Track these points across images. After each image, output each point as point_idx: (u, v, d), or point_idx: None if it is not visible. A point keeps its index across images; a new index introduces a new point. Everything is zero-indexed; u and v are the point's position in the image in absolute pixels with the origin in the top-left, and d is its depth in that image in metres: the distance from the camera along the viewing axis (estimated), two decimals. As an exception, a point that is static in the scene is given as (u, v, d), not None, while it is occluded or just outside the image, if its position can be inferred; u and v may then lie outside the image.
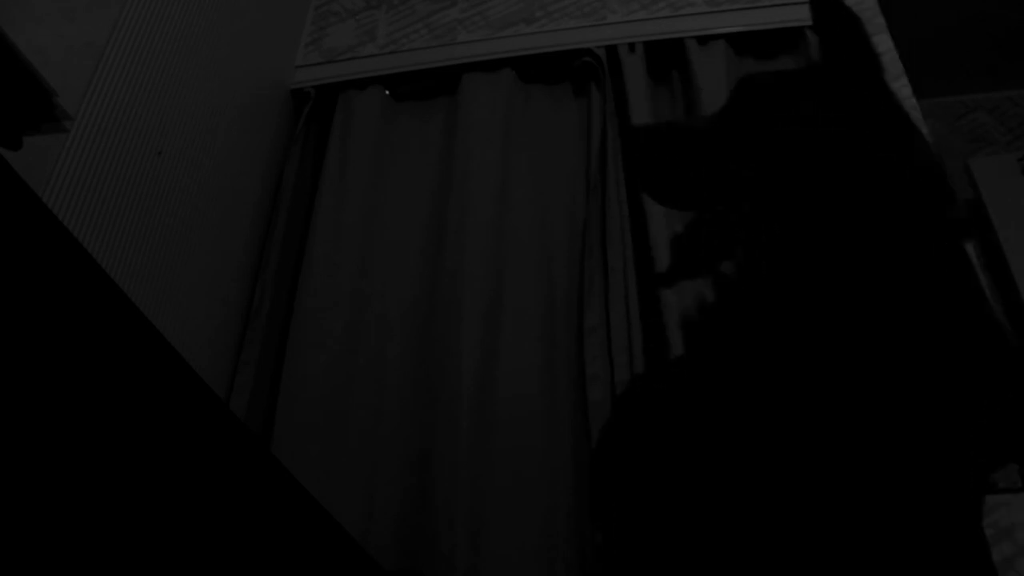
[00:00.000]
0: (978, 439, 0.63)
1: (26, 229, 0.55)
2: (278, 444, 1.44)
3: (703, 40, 1.72)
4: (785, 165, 0.72)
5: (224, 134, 1.57)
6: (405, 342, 1.56)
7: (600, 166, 1.61)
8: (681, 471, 0.68)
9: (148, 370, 0.61)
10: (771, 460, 0.63)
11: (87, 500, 0.57)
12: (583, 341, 1.45)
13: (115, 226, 1.22)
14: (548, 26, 1.85)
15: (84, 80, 1.20)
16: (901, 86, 1.57)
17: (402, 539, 1.36)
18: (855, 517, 0.61)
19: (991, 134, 2.46)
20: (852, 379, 0.63)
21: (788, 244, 0.70)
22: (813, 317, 0.66)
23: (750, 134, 0.75)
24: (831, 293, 0.67)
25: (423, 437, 1.43)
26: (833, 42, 0.76)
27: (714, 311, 0.79)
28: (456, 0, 1.96)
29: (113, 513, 0.58)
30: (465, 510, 1.32)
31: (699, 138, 0.78)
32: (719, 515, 0.65)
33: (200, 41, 1.51)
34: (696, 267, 0.86)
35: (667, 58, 1.75)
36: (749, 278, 0.74)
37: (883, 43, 1.62)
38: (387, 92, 1.89)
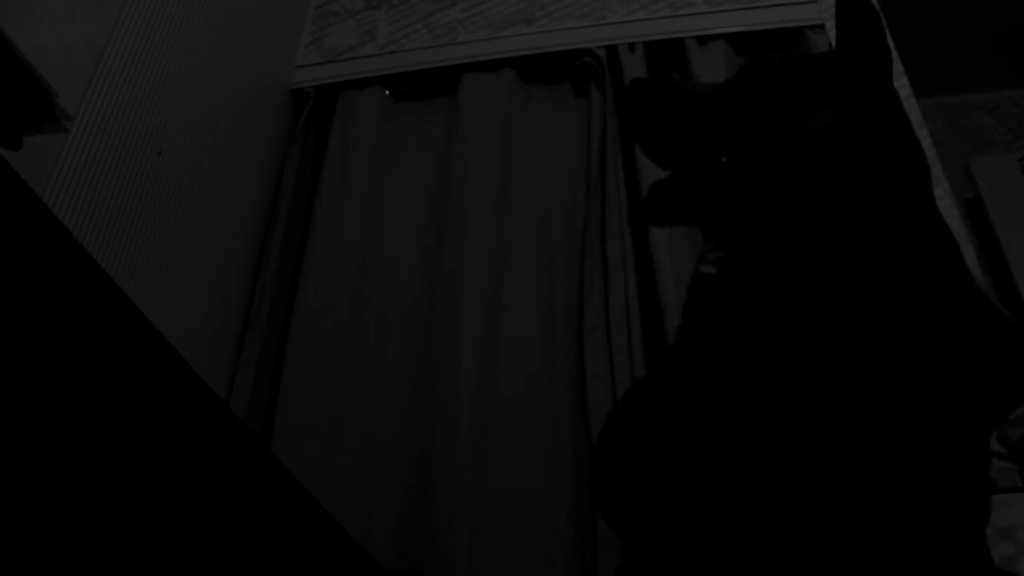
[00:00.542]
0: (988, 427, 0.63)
1: (26, 229, 0.55)
2: (278, 444, 1.44)
3: (703, 40, 1.72)
4: (783, 145, 0.72)
5: (224, 134, 1.57)
6: (405, 342, 1.56)
7: (600, 166, 1.61)
8: (685, 462, 0.68)
9: (148, 370, 0.61)
10: (778, 452, 0.63)
11: (87, 500, 0.57)
12: (583, 341, 1.45)
13: (115, 226, 1.22)
14: (548, 26, 1.85)
15: (84, 80, 1.20)
16: (901, 86, 1.57)
17: (402, 539, 1.36)
18: (862, 514, 0.61)
19: (991, 134, 2.46)
20: (857, 369, 0.63)
21: (781, 225, 0.71)
22: (807, 304, 0.66)
23: (751, 108, 0.75)
24: (827, 279, 0.67)
25: (423, 437, 1.43)
26: (850, 33, 0.76)
27: (709, 291, 0.79)
28: (456, 0, 1.96)
29: (113, 513, 0.58)
30: (465, 510, 1.32)
31: (699, 101, 0.78)
32: (723, 506, 0.65)
33: (200, 41, 1.51)
34: (676, 215, 0.86)
35: (667, 58, 1.75)
36: (741, 261, 0.74)
37: (883, 43, 1.62)
38: (387, 92, 1.89)
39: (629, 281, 1.50)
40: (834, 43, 1.64)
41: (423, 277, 1.63)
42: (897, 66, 1.61)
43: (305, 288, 1.62)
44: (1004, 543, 1.15)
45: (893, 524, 0.61)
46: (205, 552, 0.66)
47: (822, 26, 1.67)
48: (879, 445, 0.62)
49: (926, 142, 1.43)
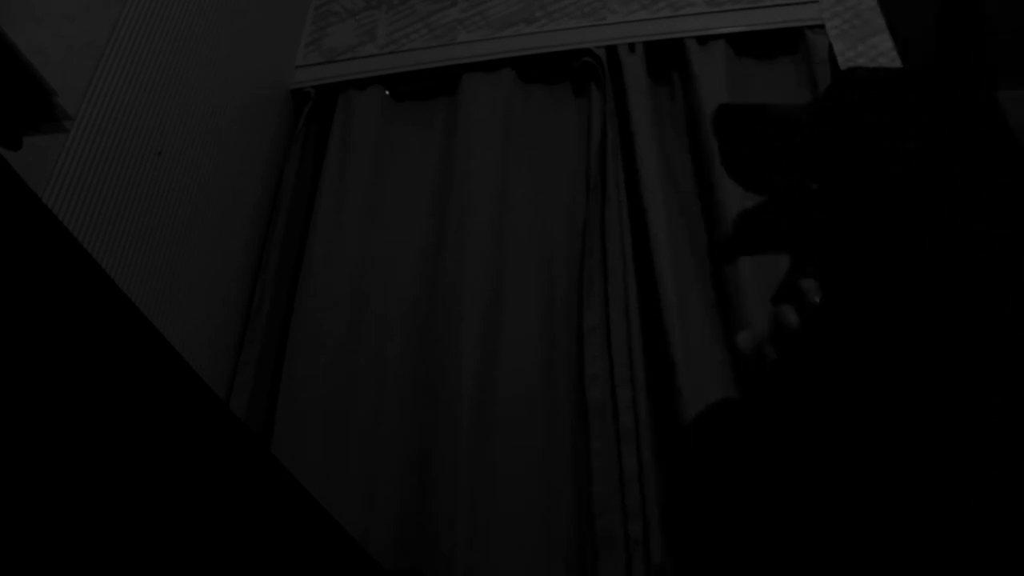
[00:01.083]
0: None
1: (26, 229, 0.55)
2: (278, 444, 1.44)
3: (703, 40, 1.72)
4: (878, 168, 0.70)
5: (224, 134, 1.57)
6: (405, 342, 1.56)
7: (600, 166, 1.61)
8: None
9: (148, 370, 0.61)
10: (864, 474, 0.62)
11: (87, 500, 0.57)
12: (583, 341, 1.45)
13: (115, 226, 1.22)
14: (548, 26, 1.85)
15: (84, 80, 1.20)
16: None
17: (402, 539, 1.36)
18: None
19: (991, 134, 2.46)
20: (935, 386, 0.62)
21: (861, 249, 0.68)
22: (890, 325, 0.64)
23: (842, 129, 0.73)
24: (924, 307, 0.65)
25: (423, 437, 1.43)
26: (949, 43, 0.74)
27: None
28: (456, 0, 1.96)
29: (113, 513, 0.58)
30: (465, 510, 1.32)
31: (787, 123, 0.76)
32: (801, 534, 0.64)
33: (200, 41, 1.51)
34: (758, 245, 0.83)
35: (667, 58, 1.75)
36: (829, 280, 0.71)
37: (883, 43, 1.62)
38: (387, 92, 1.89)
39: (629, 281, 1.50)
40: (834, 44, 1.64)
41: (423, 277, 1.63)
42: (897, 66, 1.61)
43: (305, 288, 1.62)
44: None
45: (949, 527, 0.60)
46: (205, 552, 0.66)
47: (822, 26, 1.67)
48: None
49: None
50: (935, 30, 0.75)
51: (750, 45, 1.73)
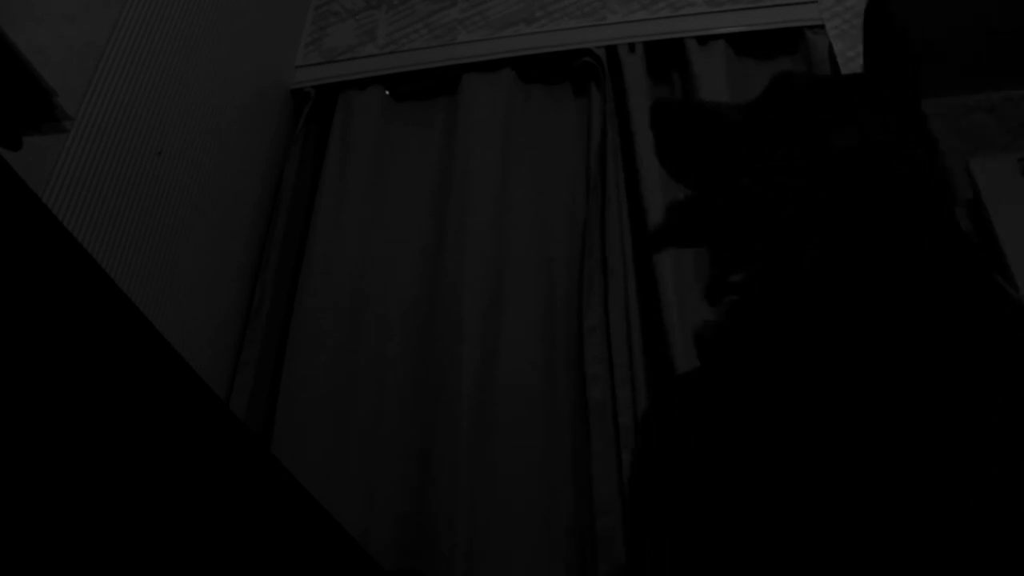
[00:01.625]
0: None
1: (26, 229, 0.55)
2: (278, 444, 1.44)
3: (703, 40, 1.72)
4: (805, 164, 0.72)
5: (224, 134, 1.57)
6: (405, 342, 1.56)
7: (600, 166, 1.61)
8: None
9: (148, 370, 0.61)
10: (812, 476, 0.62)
11: (87, 500, 0.57)
12: (583, 341, 1.45)
13: (115, 226, 1.22)
14: (548, 26, 1.85)
15: (84, 80, 1.20)
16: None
17: (402, 539, 1.36)
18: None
19: (991, 134, 2.46)
20: (889, 393, 0.62)
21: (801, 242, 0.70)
22: (834, 328, 0.65)
23: (775, 128, 0.75)
24: (852, 302, 0.66)
25: (423, 437, 1.43)
26: (877, 51, 0.76)
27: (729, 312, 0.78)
28: (456, 0, 1.96)
29: (113, 513, 0.58)
30: (465, 510, 1.32)
31: (723, 120, 0.77)
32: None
33: (200, 41, 1.51)
34: (688, 237, 0.85)
35: (667, 58, 1.75)
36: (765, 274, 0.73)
37: (883, 43, 1.62)
38: (387, 92, 1.89)
39: (629, 281, 1.50)
40: (834, 44, 1.64)
41: (423, 277, 1.63)
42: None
43: (305, 288, 1.62)
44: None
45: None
46: (205, 552, 0.66)
47: (822, 26, 1.67)
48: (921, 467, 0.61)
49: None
50: (863, 40, 0.78)
51: (750, 45, 1.74)
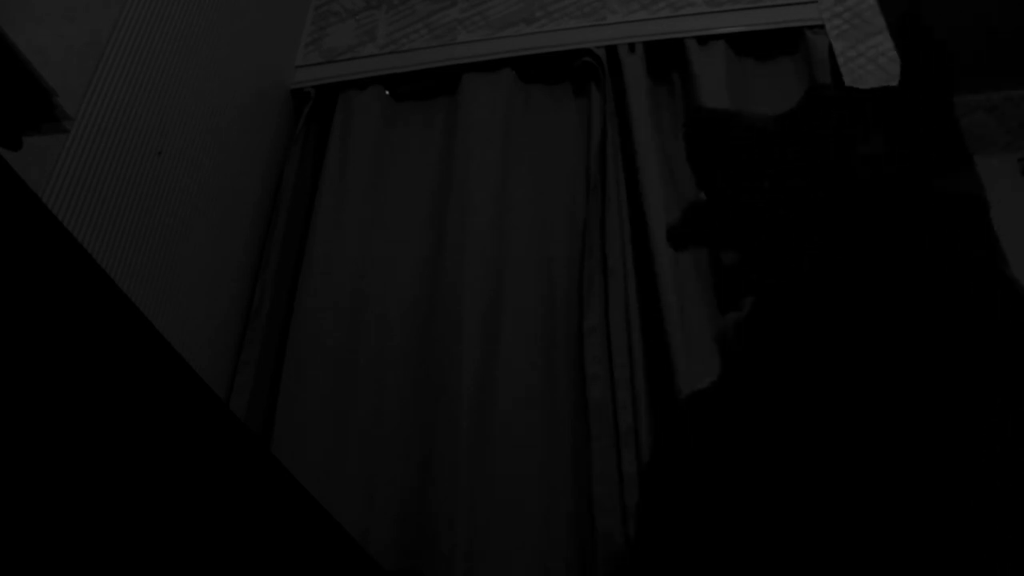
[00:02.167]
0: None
1: (26, 229, 0.55)
2: (278, 444, 1.44)
3: (703, 40, 1.72)
4: (829, 171, 0.71)
5: (224, 134, 1.57)
6: (405, 342, 1.56)
7: (600, 166, 1.61)
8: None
9: (148, 370, 0.61)
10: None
11: (87, 500, 0.57)
12: (583, 341, 1.45)
13: (115, 226, 1.22)
14: (548, 26, 1.85)
15: (84, 80, 1.20)
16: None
17: (402, 539, 1.36)
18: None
19: (991, 134, 2.46)
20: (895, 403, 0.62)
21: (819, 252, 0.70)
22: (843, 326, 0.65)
23: (804, 137, 0.75)
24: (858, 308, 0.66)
25: (423, 437, 1.43)
26: (910, 62, 0.75)
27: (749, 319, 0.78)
28: (456, 0, 1.96)
29: (113, 513, 0.58)
30: (465, 510, 1.32)
31: (762, 135, 0.78)
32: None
33: (200, 41, 1.51)
34: (703, 238, 0.85)
35: (667, 58, 1.75)
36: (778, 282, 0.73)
37: (883, 43, 1.62)
38: (387, 92, 1.89)
39: (629, 281, 1.50)
40: (834, 44, 1.64)
41: (423, 277, 1.63)
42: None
43: (305, 288, 1.62)
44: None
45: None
46: (205, 552, 0.66)
47: (822, 26, 1.67)
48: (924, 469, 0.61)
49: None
50: (897, 51, 0.78)
51: (750, 45, 1.73)
